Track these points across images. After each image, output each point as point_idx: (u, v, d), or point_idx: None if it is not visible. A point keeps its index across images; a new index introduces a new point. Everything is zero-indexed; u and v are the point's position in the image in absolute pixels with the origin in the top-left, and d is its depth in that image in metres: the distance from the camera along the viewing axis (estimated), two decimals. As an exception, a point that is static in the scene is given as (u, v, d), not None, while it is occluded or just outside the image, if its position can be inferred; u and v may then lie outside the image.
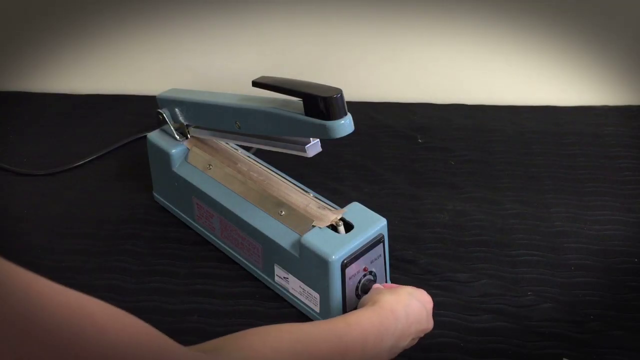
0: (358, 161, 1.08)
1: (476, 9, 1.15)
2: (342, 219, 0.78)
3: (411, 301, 0.69)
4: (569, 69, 1.20)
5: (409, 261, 0.87)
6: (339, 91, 0.70)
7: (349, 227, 0.77)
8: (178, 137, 0.91)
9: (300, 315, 0.80)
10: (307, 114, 0.71)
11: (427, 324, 0.71)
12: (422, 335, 0.72)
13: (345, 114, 0.71)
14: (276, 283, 0.82)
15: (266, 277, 0.83)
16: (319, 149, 0.78)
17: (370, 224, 0.77)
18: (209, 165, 0.88)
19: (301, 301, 0.79)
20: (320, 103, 0.69)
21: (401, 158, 1.09)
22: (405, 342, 0.68)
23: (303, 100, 0.71)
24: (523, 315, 0.79)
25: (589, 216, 0.95)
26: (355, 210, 0.79)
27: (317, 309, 0.77)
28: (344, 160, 1.08)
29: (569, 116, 1.19)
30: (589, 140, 1.12)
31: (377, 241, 0.77)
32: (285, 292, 0.81)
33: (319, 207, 0.79)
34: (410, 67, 1.23)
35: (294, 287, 0.79)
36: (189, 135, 0.91)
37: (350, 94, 1.22)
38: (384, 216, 0.79)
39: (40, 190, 1.02)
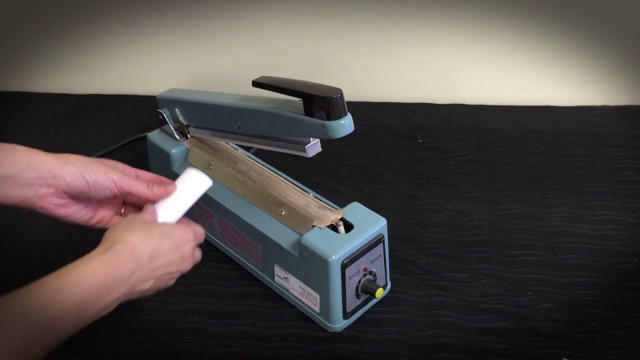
0: (358, 161, 1.08)
1: (476, 9, 1.15)
2: (342, 219, 0.78)
3: (162, 242, 0.65)
4: (569, 69, 1.20)
5: (409, 261, 0.87)
6: (339, 91, 0.70)
7: (349, 227, 0.77)
8: (178, 137, 0.91)
9: (300, 315, 0.80)
10: (307, 114, 0.71)
11: (182, 265, 0.68)
12: (177, 275, 0.68)
13: (345, 114, 0.71)
14: (276, 283, 0.82)
15: (266, 277, 0.83)
16: (319, 149, 0.78)
17: (370, 224, 0.77)
18: (209, 165, 0.88)
19: (301, 301, 0.79)
20: (320, 103, 0.69)
21: (401, 158, 1.09)
22: (147, 285, 0.64)
23: (303, 100, 0.71)
24: (523, 315, 0.79)
25: (589, 216, 0.95)
26: (355, 210, 0.79)
27: (317, 309, 0.77)
28: (344, 160, 1.08)
29: (569, 116, 1.19)
30: (589, 140, 1.12)
31: (377, 241, 0.77)
32: (285, 292, 0.81)
33: (319, 207, 0.79)
34: (410, 67, 1.23)
35: (294, 287, 0.79)
36: (189, 135, 0.91)
37: (350, 94, 1.22)
38: (384, 216, 0.79)
39: (40, 190, 1.02)
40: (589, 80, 1.21)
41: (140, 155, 1.04)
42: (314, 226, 0.77)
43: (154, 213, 0.70)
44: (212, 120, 0.85)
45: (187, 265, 0.69)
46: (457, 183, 1.03)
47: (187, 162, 0.90)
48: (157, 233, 0.65)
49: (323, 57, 1.22)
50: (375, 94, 1.24)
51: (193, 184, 0.75)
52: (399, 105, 1.23)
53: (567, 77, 1.21)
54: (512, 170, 1.05)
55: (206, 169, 0.88)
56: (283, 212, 0.80)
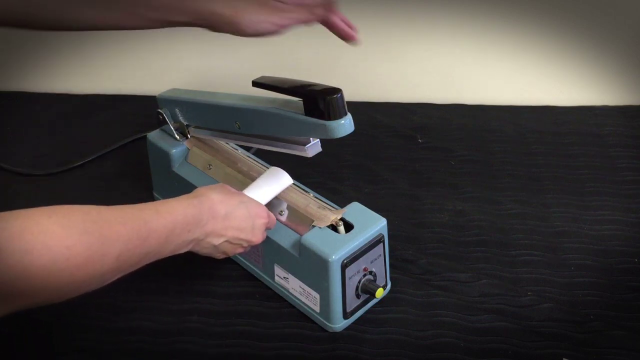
0: (358, 161, 1.08)
1: (476, 9, 1.15)
2: (342, 219, 0.78)
3: (239, 208, 0.71)
4: (569, 69, 1.20)
5: (409, 261, 0.87)
6: (339, 91, 0.70)
7: (349, 227, 0.77)
8: (178, 137, 0.91)
9: (300, 315, 0.80)
10: (307, 113, 0.71)
11: (252, 236, 0.73)
12: (246, 245, 0.74)
13: (345, 114, 0.71)
14: (276, 283, 0.82)
15: (266, 277, 0.83)
16: (319, 149, 0.78)
17: (370, 224, 0.77)
18: (209, 165, 0.88)
19: (301, 301, 0.79)
20: (320, 103, 0.69)
21: (401, 158, 1.09)
22: (218, 241, 0.70)
23: (303, 100, 0.71)
24: (523, 315, 0.79)
25: (589, 216, 0.95)
26: (355, 210, 0.79)
27: (317, 309, 0.77)
28: (344, 160, 1.08)
29: (569, 116, 1.19)
30: (589, 140, 1.12)
31: (377, 241, 0.77)
32: (285, 292, 0.81)
33: (319, 207, 0.79)
34: (410, 67, 1.23)
35: (294, 287, 0.79)
36: (189, 135, 0.91)
37: (350, 94, 1.22)
38: (384, 216, 0.79)
39: (40, 190, 1.02)
40: (589, 80, 1.21)
41: (140, 155, 1.04)
42: (314, 226, 0.77)
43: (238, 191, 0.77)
44: (212, 120, 0.85)
45: (256, 238, 0.74)
46: (457, 183, 1.03)
47: (187, 162, 0.90)
48: (235, 199, 0.72)
49: (323, 57, 1.22)
50: (375, 94, 1.24)
51: (277, 178, 0.80)
52: (399, 105, 1.23)
53: (567, 77, 1.21)
54: (512, 170, 1.05)
55: (206, 169, 0.88)
56: (283, 212, 0.80)
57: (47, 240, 0.51)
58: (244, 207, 0.72)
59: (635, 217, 0.95)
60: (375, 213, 0.79)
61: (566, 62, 1.19)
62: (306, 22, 0.72)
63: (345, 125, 0.71)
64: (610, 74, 1.19)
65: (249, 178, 0.85)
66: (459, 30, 1.17)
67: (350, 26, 0.75)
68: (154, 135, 0.93)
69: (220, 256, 0.74)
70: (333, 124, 0.70)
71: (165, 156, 0.90)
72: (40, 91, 1.28)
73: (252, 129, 0.80)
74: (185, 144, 0.91)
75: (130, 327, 0.78)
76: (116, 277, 0.59)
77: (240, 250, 0.74)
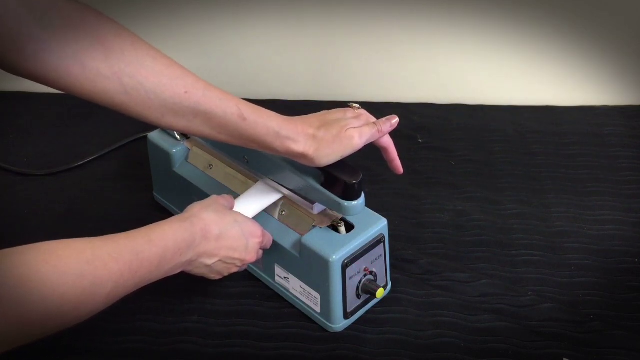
0: (358, 161, 1.07)
1: (476, 9, 1.15)
2: (342, 219, 0.78)
3: (232, 227, 0.71)
4: (569, 69, 1.20)
5: (409, 261, 0.87)
6: (359, 177, 0.71)
7: (349, 227, 0.77)
8: (178, 137, 0.91)
9: (300, 315, 0.80)
10: (324, 185, 0.73)
11: (246, 255, 0.72)
12: (240, 264, 0.73)
13: (360, 196, 0.72)
14: (277, 283, 0.82)
15: (267, 277, 0.83)
16: (323, 208, 0.78)
17: (371, 224, 0.77)
18: (210, 165, 0.88)
19: (302, 301, 0.79)
20: (339, 183, 0.71)
21: (401, 158, 1.08)
22: (211, 261, 0.70)
23: (323, 173, 0.72)
24: (523, 315, 0.80)
25: (589, 216, 0.95)
26: (356, 210, 0.79)
27: (318, 309, 0.77)
28: (345, 160, 1.08)
29: (569, 116, 1.19)
30: (589, 140, 1.12)
31: (378, 241, 0.77)
32: (285, 292, 0.81)
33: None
34: (410, 67, 1.23)
35: (294, 287, 0.79)
36: (189, 135, 0.91)
37: (351, 94, 1.22)
38: (384, 216, 0.79)
39: (40, 190, 1.02)
40: (589, 80, 1.21)
41: (140, 155, 1.04)
42: (314, 226, 0.77)
43: (231, 200, 0.76)
44: (217, 143, 0.85)
45: (250, 257, 0.73)
46: (457, 183, 1.03)
47: (188, 162, 0.90)
48: (229, 219, 0.71)
49: (323, 57, 1.22)
50: (375, 94, 1.24)
51: (269, 188, 0.80)
52: (399, 105, 1.23)
53: (567, 77, 1.21)
54: (512, 170, 1.06)
55: (207, 169, 0.88)
56: (284, 212, 0.80)
57: (44, 290, 0.51)
58: (237, 226, 0.71)
59: (636, 217, 0.95)
60: (375, 213, 0.79)
61: (566, 62, 1.19)
62: (373, 140, 0.76)
63: (357, 207, 0.72)
64: (610, 74, 1.19)
65: (250, 178, 0.85)
66: (459, 30, 1.17)
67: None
68: (154, 135, 0.93)
69: (215, 277, 0.73)
70: (346, 203, 0.72)
71: (165, 156, 0.90)
72: (40, 91, 1.28)
73: (262, 170, 0.80)
74: (186, 144, 0.91)
75: (131, 327, 0.78)
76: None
77: (235, 269, 0.74)
